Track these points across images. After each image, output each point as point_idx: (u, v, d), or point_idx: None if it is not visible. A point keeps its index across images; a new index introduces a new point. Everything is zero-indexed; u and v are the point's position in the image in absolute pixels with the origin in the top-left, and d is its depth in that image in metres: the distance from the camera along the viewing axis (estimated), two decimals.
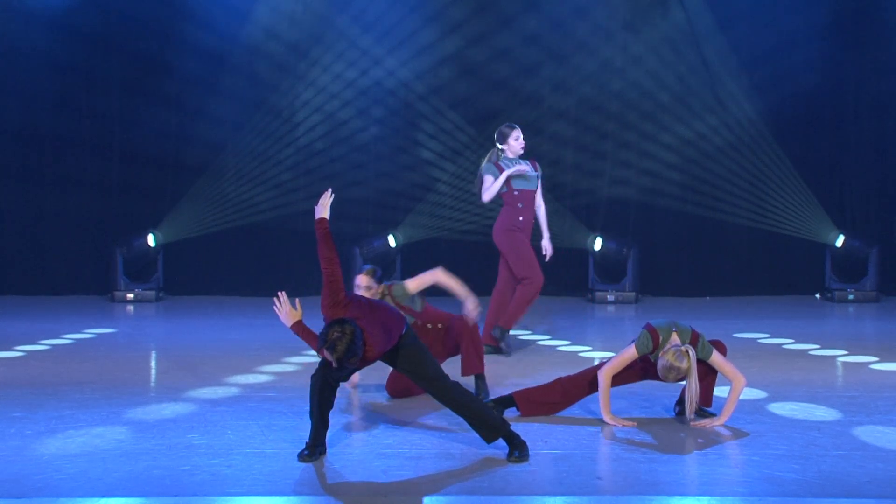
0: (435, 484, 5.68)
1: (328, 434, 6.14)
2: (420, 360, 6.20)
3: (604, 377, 6.99)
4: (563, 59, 14.70)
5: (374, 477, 5.77)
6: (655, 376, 6.96)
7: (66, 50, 14.36)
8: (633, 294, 14.15)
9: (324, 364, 6.04)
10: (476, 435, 6.22)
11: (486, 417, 6.17)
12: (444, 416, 7.03)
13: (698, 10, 14.71)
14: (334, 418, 6.99)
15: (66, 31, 14.32)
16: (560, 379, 7.26)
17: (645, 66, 14.77)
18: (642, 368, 7.09)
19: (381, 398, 7.81)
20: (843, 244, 14.40)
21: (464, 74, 14.72)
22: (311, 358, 9.61)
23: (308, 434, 6.14)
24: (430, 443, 6.46)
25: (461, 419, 6.24)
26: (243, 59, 14.59)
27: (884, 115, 14.92)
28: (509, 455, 6.06)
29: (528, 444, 6.12)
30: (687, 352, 6.75)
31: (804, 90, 14.73)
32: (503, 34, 14.68)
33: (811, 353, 10.07)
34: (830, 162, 15.02)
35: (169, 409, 7.33)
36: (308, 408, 6.17)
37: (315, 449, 6.11)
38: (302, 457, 6.06)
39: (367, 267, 7.86)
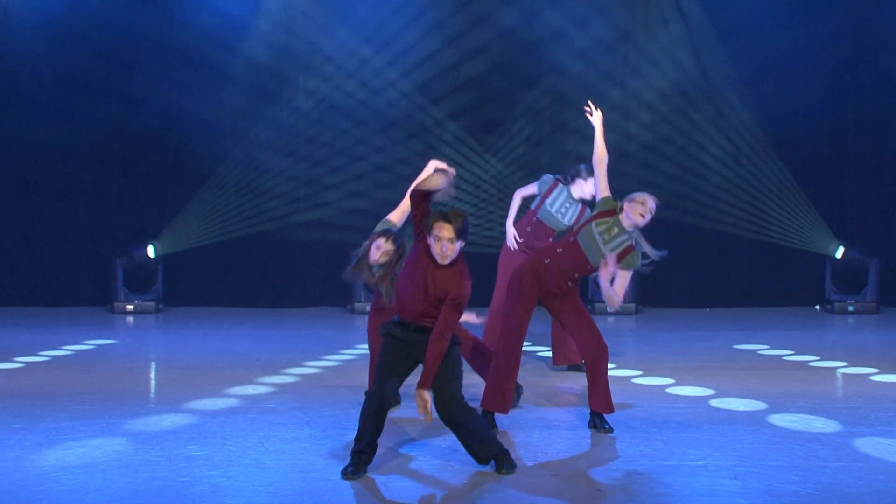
0: (435, 496, 5.67)
1: (328, 447, 6.07)
2: (444, 370, 6.04)
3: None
4: (562, 71, 14.71)
5: (373, 489, 5.76)
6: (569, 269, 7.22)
7: (66, 61, 14.38)
8: (634, 305, 14.13)
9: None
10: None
11: (484, 436, 6.10)
12: (443, 429, 7.02)
13: (699, 21, 14.73)
14: (333, 430, 7.00)
15: (65, 43, 14.35)
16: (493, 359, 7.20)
17: (645, 78, 14.79)
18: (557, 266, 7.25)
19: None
20: (844, 255, 14.39)
21: (464, 85, 14.73)
22: (310, 369, 9.60)
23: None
24: (429, 454, 6.45)
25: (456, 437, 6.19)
26: (243, 69, 14.61)
27: (884, 126, 14.93)
28: (498, 468, 6.01)
29: (527, 453, 6.07)
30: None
31: (805, 102, 14.75)
32: (503, 45, 14.71)
33: (811, 364, 10.05)
34: (831, 173, 15.03)
35: (169, 421, 7.32)
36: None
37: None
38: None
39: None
